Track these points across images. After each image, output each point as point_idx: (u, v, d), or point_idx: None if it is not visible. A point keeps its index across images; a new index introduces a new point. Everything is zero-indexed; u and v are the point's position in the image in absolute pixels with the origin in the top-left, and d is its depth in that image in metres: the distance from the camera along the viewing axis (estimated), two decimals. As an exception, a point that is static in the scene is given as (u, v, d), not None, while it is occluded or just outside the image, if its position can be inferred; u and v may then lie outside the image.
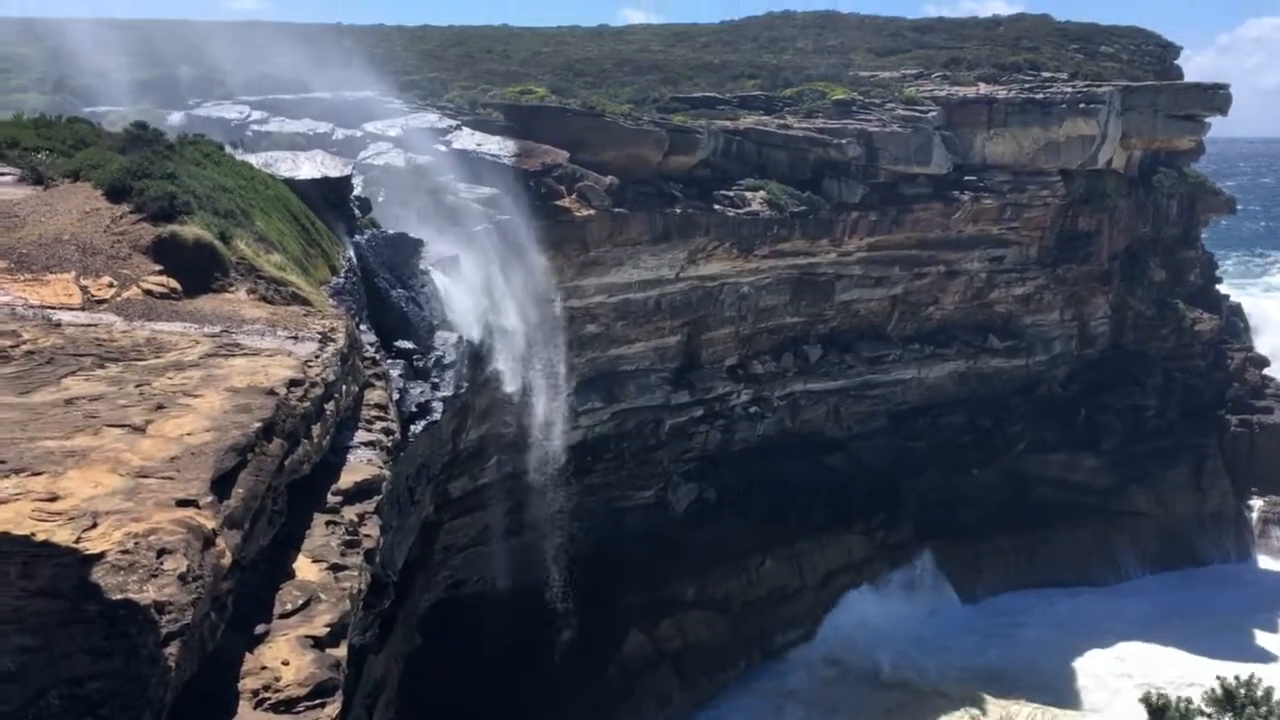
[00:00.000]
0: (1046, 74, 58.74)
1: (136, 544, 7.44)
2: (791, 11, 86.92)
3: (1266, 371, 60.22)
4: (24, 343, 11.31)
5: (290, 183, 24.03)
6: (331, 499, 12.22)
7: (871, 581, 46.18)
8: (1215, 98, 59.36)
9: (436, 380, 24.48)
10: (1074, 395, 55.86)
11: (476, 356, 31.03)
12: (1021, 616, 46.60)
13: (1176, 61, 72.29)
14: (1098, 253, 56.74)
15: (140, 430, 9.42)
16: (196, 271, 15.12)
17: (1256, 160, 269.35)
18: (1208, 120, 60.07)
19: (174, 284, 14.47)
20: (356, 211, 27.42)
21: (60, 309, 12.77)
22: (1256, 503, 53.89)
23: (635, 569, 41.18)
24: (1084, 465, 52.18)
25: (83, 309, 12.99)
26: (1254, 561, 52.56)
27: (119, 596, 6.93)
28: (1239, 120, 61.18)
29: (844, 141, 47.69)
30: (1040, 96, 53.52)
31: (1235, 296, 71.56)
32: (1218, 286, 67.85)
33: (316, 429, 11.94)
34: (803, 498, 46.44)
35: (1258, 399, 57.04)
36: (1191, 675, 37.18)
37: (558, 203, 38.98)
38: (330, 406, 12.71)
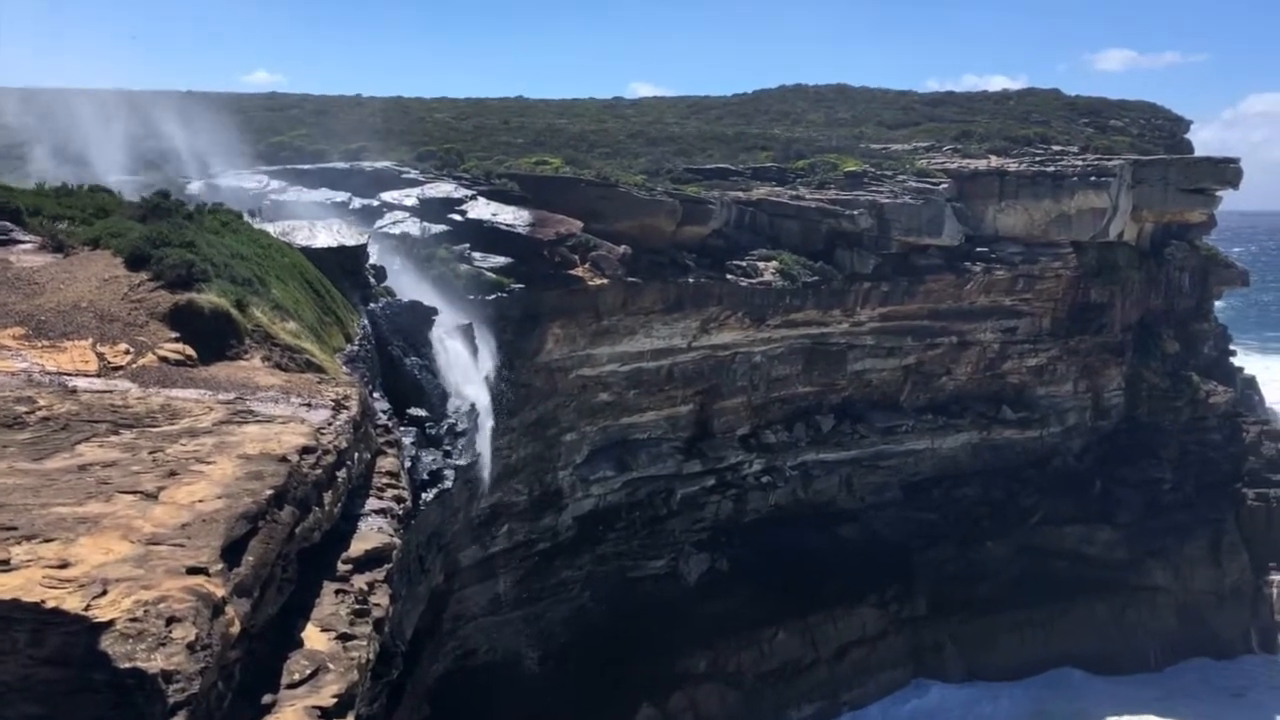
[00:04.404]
0: (1057, 147, 59.26)
1: (146, 612, 7.42)
2: (803, 85, 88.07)
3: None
4: (40, 409, 11.37)
5: (307, 251, 24.25)
6: (342, 567, 12.15)
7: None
8: (1226, 171, 59.75)
9: (449, 448, 24.46)
10: (1089, 467, 55.41)
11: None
12: (1038, 692, 46.00)
13: (1186, 135, 72.82)
14: (1110, 324, 56.73)
15: (152, 497, 9.43)
16: (212, 339, 15.21)
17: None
18: (1219, 193, 60.37)
19: (190, 351, 14.55)
20: (371, 279, 27.61)
21: (76, 375, 12.85)
22: (1276, 578, 52.99)
23: (646, 640, 40.69)
24: (1100, 539, 51.56)
25: (99, 376, 13.06)
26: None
27: (127, 665, 6.89)
28: (1246, 194, 61.84)
29: (856, 213, 48.02)
30: (1051, 169, 53.90)
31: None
32: (1231, 359, 67.67)
33: (328, 496, 11.92)
34: (815, 569, 45.90)
35: (1274, 472, 56.45)
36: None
37: (571, 272, 39.24)
38: (342, 474, 12.71)
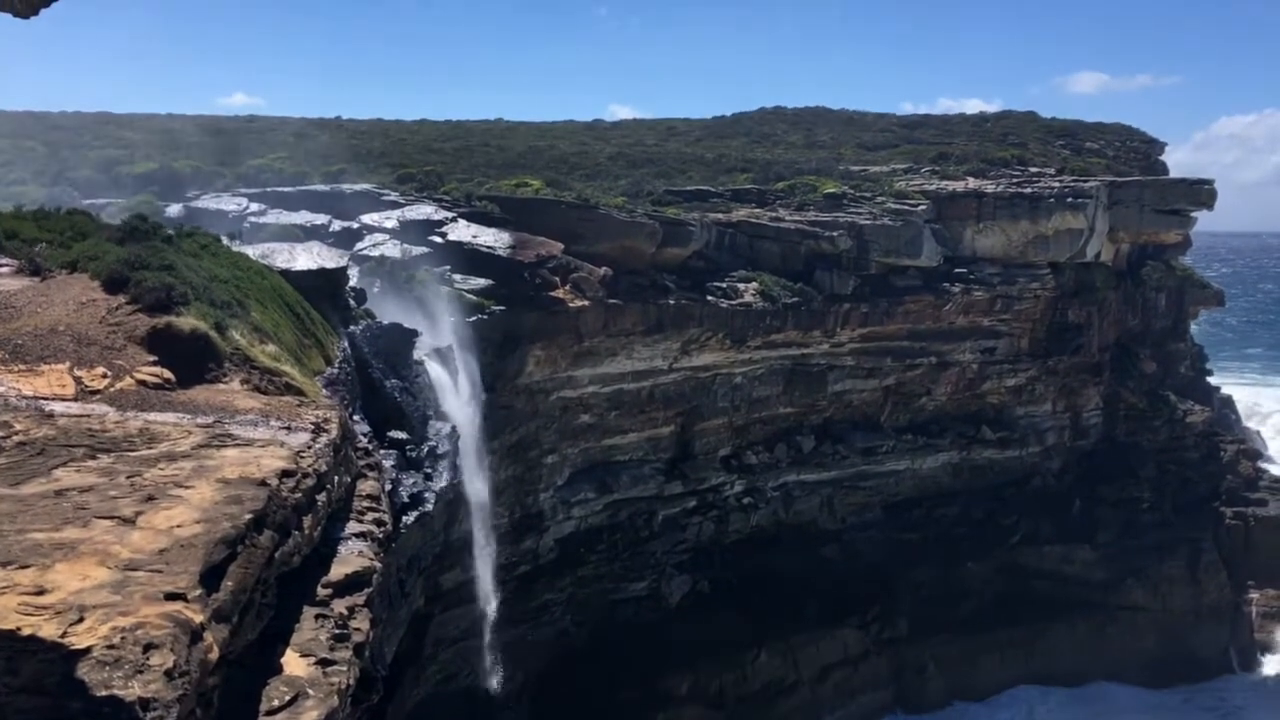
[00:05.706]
0: (1034, 169, 59.67)
1: (123, 639, 7.34)
2: (782, 107, 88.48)
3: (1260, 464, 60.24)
4: (16, 434, 11.27)
5: (286, 274, 24.16)
6: (321, 591, 12.03)
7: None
8: (1200, 192, 60.31)
9: (429, 471, 24.37)
10: (1068, 487, 55.64)
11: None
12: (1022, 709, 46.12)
13: (1161, 157, 73.46)
14: (1088, 344, 57.09)
15: (130, 522, 9.34)
16: (191, 362, 15.09)
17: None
18: (1193, 214, 60.92)
19: (168, 374, 14.44)
20: (351, 302, 27.55)
21: (53, 400, 12.74)
22: (1254, 596, 53.25)
23: (628, 662, 40.57)
24: (1080, 558, 51.74)
25: (76, 400, 12.96)
26: (1259, 673, 51.09)
27: (104, 693, 6.81)
28: (1216, 214, 62.79)
29: (835, 234, 48.25)
30: (1028, 191, 54.33)
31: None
32: (1207, 379, 68.17)
33: (308, 520, 11.83)
34: (797, 590, 45.86)
35: (1252, 491, 56.80)
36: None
37: (552, 294, 39.26)
38: (322, 497, 12.62)
